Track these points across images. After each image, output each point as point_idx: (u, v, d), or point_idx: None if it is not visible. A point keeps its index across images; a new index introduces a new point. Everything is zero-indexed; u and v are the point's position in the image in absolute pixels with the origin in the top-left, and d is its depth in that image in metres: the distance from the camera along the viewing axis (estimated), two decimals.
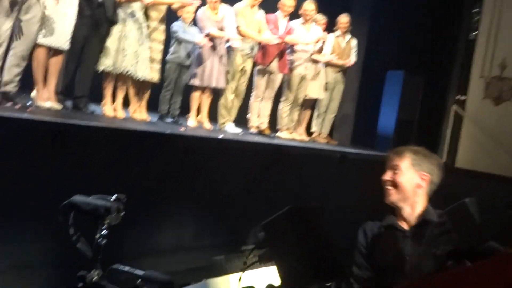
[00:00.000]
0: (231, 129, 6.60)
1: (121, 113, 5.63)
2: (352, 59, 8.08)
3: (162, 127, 5.54)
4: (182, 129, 5.66)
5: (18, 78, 4.52)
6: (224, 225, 4.34)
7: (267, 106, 7.14)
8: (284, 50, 7.01)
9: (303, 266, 1.66)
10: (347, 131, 9.86)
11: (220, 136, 5.42)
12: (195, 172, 4.04)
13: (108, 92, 5.59)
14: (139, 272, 2.85)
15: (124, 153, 3.64)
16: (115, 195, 2.97)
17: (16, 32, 4.43)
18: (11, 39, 4.42)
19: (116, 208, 2.89)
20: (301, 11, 7.25)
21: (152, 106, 6.28)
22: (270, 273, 2.95)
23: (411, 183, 2.77)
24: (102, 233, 2.93)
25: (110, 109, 5.59)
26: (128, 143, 3.71)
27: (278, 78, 7.05)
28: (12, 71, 4.45)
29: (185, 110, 6.67)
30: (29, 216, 3.13)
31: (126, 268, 2.88)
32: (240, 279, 1.99)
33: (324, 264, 1.72)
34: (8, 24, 4.31)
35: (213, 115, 6.78)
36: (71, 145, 3.31)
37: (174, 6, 6.11)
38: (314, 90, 7.66)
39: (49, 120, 3.46)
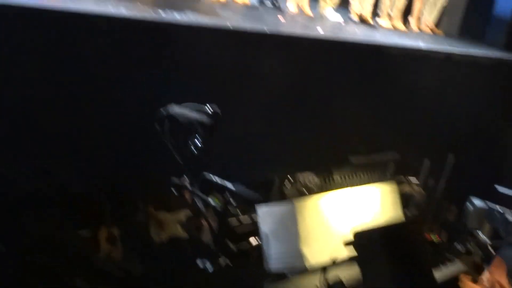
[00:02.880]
0: (331, 15, 6.32)
1: None
2: None
3: (261, 13, 5.38)
4: (281, 18, 5.48)
5: None
6: (312, 135, 4.28)
7: None
8: None
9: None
10: (455, 20, 9.19)
11: (319, 29, 5.20)
12: (290, 76, 3.93)
13: None
14: (229, 185, 2.92)
15: (218, 53, 3.57)
16: (209, 106, 2.98)
17: None
18: None
19: (210, 122, 2.92)
20: None
21: None
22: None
23: None
24: (196, 142, 3.00)
25: None
26: (225, 41, 3.62)
27: None
28: None
29: None
30: (121, 121, 3.19)
31: (217, 179, 2.96)
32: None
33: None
34: None
35: None
36: (165, 44, 3.26)
37: None
38: None
39: (142, 18, 3.39)
